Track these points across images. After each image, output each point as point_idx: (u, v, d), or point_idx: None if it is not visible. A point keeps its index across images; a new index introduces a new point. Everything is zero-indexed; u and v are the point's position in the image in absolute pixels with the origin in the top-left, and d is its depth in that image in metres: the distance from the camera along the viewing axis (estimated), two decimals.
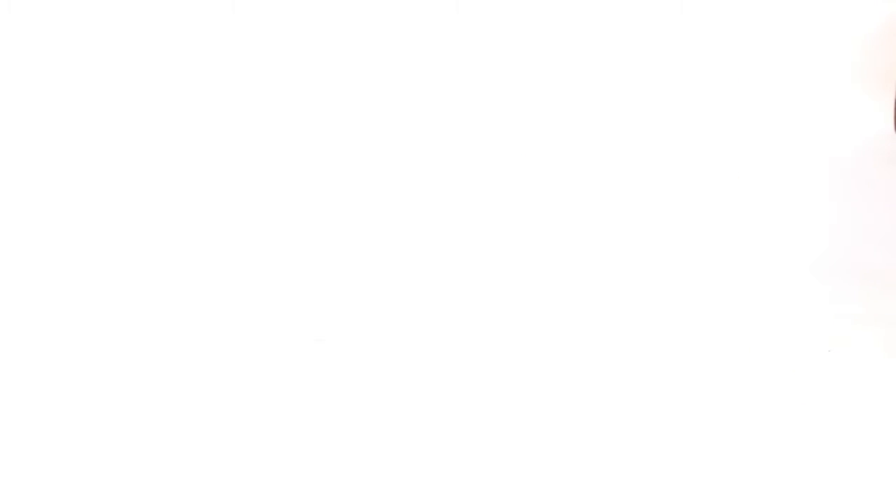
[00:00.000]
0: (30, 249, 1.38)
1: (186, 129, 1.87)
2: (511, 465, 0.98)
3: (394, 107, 1.99)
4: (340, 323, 1.15)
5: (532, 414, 1.06)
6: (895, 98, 2.11)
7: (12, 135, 1.66)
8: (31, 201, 1.52)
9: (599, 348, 1.20)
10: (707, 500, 0.94)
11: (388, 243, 1.47)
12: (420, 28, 2.01)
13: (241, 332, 1.17)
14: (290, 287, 1.22)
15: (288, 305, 1.18)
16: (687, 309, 1.30)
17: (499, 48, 1.87)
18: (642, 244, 1.49)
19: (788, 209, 1.73)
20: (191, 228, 1.48)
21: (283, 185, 1.56)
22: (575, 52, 2.08)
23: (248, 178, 1.65)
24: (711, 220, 1.62)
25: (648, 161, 1.87)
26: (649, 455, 1.00)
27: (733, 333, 1.25)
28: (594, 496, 0.95)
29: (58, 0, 2.04)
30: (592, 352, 1.19)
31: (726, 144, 1.99)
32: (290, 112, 1.81)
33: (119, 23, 1.96)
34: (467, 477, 0.96)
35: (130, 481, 0.93)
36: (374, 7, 1.83)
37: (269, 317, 1.17)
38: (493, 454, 0.99)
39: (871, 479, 0.98)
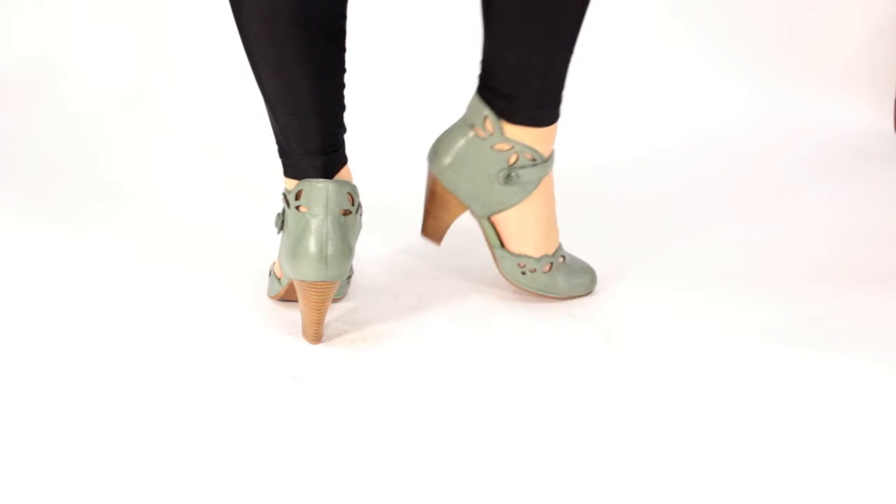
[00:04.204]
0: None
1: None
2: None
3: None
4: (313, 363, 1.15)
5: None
6: (895, 98, 2.11)
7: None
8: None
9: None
10: (708, 498, 0.94)
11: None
12: None
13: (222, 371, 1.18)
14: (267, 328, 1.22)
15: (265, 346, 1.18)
16: (685, 312, 1.30)
17: None
18: (634, 239, 1.50)
19: (788, 209, 1.73)
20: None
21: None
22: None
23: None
24: (713, 219, 1.63)
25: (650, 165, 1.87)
26: (648, 450, 1.00)
27: (730, 332, 1.25)
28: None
29: None
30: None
31: (725, 144, 2.00)
32: None
33: None
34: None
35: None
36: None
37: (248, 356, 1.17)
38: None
39: (871, 477, 0.98)
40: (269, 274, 1.28)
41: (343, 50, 1.15)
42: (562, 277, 1.29)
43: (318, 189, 1.13)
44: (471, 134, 1.21)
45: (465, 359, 1.17)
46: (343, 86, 1.16)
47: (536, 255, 1.27)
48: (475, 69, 1.21)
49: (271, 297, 1.27)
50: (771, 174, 1.84)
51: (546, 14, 1.13)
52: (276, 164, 1.20)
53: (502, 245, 1.26)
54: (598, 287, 1.34)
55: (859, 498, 0.97)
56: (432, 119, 1.87)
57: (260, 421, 1.03)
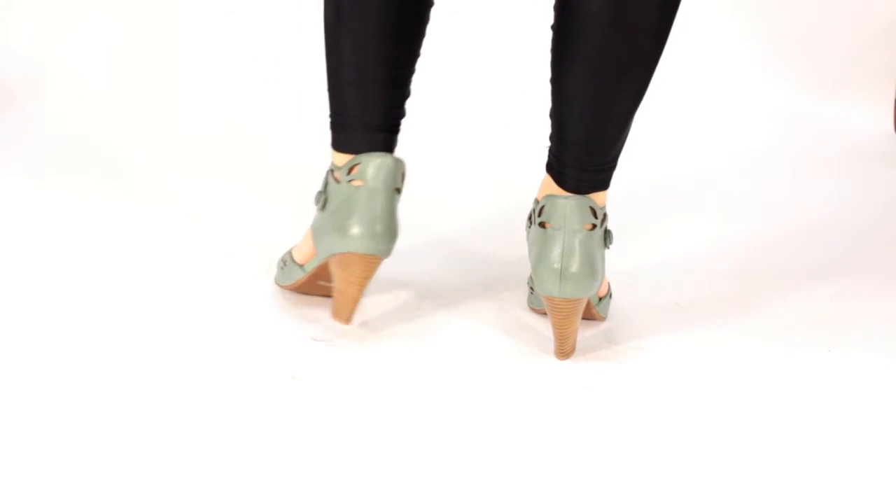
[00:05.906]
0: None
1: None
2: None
3: None
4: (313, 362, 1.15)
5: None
6: (895, 98, 2.11)
7: None
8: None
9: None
10: (709, 497, 0.95)
11: None
12: None
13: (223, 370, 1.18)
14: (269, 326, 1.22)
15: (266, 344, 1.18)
16: (685, 312, 1.30)
17: None
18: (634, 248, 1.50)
19: (788, 208, 1.73)
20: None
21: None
22: None
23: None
24: (713, 220, 1.63)
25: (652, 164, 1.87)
26: (651, 450, 1.00)
27: (730, 332, 1.25)
28: None
29: None
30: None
31: (724, 144, 1.99)
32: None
33: None
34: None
35: None
36: None
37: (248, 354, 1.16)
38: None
39: (872, 477, 0.98)
40: (284, 264, 1.26)
41: (423, 35, 1.15)
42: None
43: (378, 163, 1.12)
44: (582, 236, 1.12)
45: (465, 358, 1.17)
46: (414, 71, 1.15)
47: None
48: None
49: (284, 287, 1.25)
50: (771, 174, 1.84)
51: (620, 76, 1.14)
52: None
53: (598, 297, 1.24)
54: None
55: (860, 498, 0.97)
56: (437, 120, 1.88)
57: (260, 420, 1.03)
